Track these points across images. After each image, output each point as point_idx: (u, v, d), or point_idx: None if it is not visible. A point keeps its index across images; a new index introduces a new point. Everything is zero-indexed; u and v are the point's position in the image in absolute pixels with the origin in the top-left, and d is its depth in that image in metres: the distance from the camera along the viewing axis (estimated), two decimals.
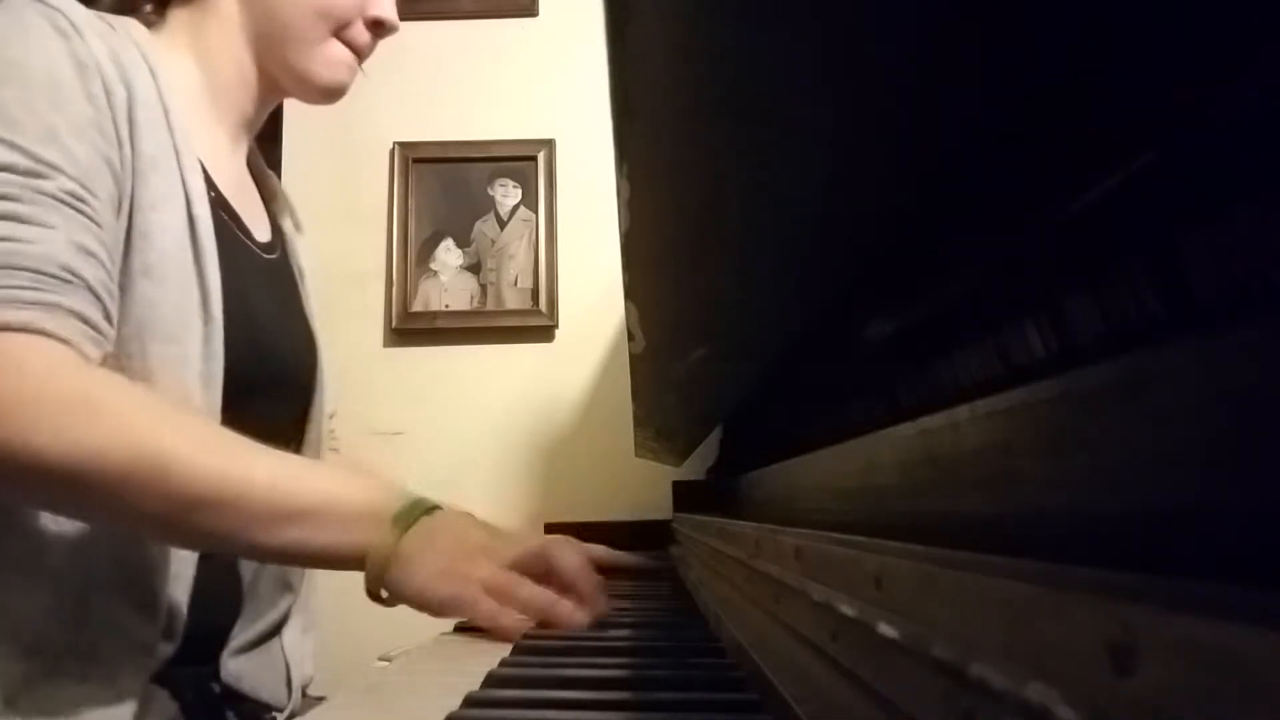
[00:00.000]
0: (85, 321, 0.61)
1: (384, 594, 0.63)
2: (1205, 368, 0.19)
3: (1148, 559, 0.17)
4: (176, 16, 0.80)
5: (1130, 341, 0.24)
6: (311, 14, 0.80)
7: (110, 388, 0.61)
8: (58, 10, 0.65)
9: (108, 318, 0.63)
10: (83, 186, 0.63)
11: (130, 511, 0.59)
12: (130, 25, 0.74)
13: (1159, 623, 0.14)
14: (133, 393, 0.62)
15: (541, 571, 0.65)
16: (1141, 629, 0.14)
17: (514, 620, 0.61)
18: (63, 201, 0.61)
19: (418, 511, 0.64)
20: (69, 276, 0.60)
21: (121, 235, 0.66)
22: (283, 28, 0.80)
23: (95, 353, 0.62)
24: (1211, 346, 0.19)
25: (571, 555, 0.67)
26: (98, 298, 0.62)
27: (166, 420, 0.61)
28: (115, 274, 0.65)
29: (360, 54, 0.85)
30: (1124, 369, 0.22)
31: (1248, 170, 0.20)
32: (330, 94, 0.85)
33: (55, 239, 0.60)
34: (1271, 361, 0.17)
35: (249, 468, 0.62)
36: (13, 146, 0.60)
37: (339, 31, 0.82)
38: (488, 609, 0.61)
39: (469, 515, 0.69)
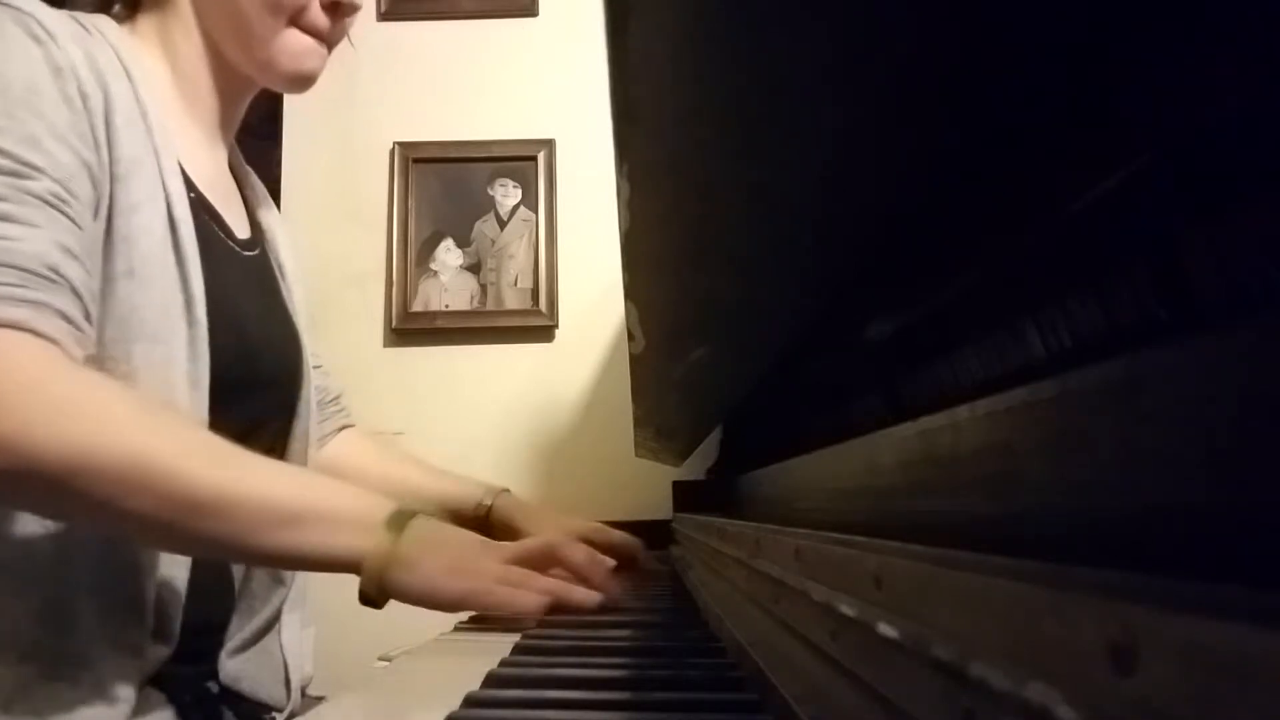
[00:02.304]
0: (70, 321, 0.61)
1: (379, 597, 0.63)
2: (1205, 368, 0.19)
3: (1148, 559, 0.17)
4: (144, 19, 0.80)
5: (1130, 341, 0.24)
6: (260, 5, 0.78)
7: (102, 390, 0.61)
8: (31, 16, 0.65)
9: (88, 318, 0.63)
10: (64, 189, 0.63)
11: (124, 515, 0.58)
12: (104, 24, 0.74)
13: (1159, 623, 0.14)
14: (125, 397, 0.62)
15: (549, 566, 0.68)
16: (1141, 629, 0.14)
17: (532, 600, 0.63)
18: (46, 202, 0.61)
19: (407, 516, 0.65)
20: (55, 276, 0.60)
21: (100, 238, 0.66)
22: (238, 22, 0.79)
23: (79, 353, 0.62)
24: (1211, 346, 0.19)
25: (578, 547, 0.69)
26: (79, 298, 0.62)
27: (158, 425, 0.61)
28: (95, 276, 0.65)
29: (323, 38, 0.82)
30: (1124, 369, 0.22)
31: (1248, 170, 0.20)
32: (298, 83, 0.83)
33: (41, 238, 0.60)
34: (1271, 361, 0.17)
35: (240, 473, 0.62)
36: None
37: (296, 19, 0.80)
38: (505, 592, 0.63)
39: (454, 526, 0.71)
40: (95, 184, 0.66)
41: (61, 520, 0.64)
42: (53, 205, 0.62)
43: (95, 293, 0.65)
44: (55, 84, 0.64)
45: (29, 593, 0.63)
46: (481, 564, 0.64)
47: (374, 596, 0.63)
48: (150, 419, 0.61)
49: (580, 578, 0.68)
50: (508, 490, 1.06)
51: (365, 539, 0.63)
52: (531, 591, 0.64)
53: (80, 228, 0.64)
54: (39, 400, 0.56)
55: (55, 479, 0.56)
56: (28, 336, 0.58)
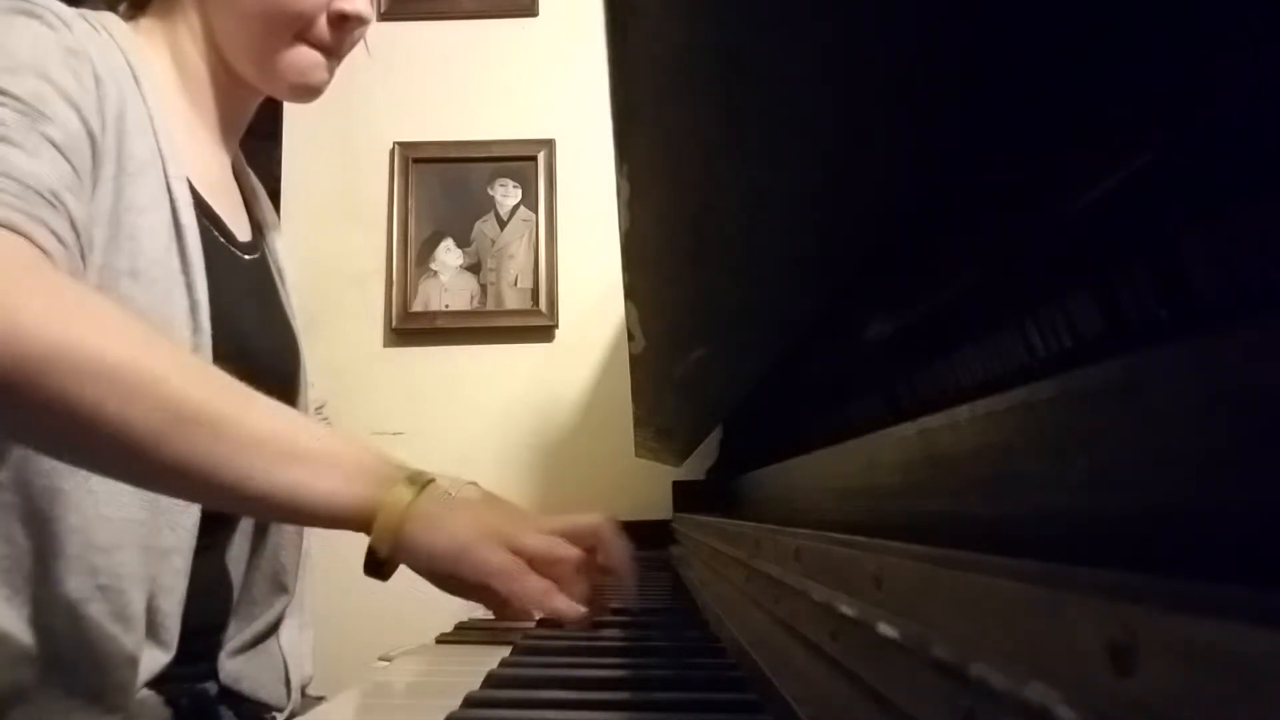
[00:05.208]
0: (64, 245, 0.59)
1: (389, 561, 0.58)
2: (1205, 368, 0.19)
3: (1148, 559, 0.17)
4: (149, 21, 0.81)
5: (1130, 341, 0.24)
6: (264, 22, 0.78)
7: (99, 297, 0.57)
8: (46, 9, 0.66)
9: (83, 258, 0.61)
10: (70, 142, 0.62)
11: (107, 424, 0.52)
12: (111, 23, 0.74)
13: (1159, 623, 0.14)
14: (123, 309, 0.58)
15: (587, 548, 0.62)
16: (1141, 629, 0.14)
17: (561, 606, 0.58)
18: (53, 144, 0.61)
19: (427, 476, 0.60)
20: (54, 200, 0.58)
21: (103, 218, 0.65)
22: (245, 36, 0.79)
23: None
24: (1211, 346, 0.19)
25: (621, 541, 0.65)
26: (76, 232, 0.60)
27: (155, 338, 0.57)
28: (92, 252, 0.64)
29: (329, 51, 0.82)
30: (1124, 369, 0.22)
31: (1248, 170, 0.20)
32: (304, 94, 0.83)
33: (44, 167, 0.59)
34: (1271, 361, 0.17)
35: (244, 399, 0.57)
36: (6, 94, 0.60)
37: (302, 34, 0.80)
38: (533, 584, 0.57)
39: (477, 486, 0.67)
40: (95, 156, 0.65)
41: (38, 433, 0.56)
42: (59, 149, 0.61)
43: (91, 242, 0.63)
44: (66, 61, 0.64)
45: (20, 599, 0.63)
46: (516, 533, 0.58)
47: (384, 558, 0.57)
48: (146, 330, 0.56)
49: (609, 571, 0.64)
50: None
51: (381, 490, 0.57)
52: (560, 597, 0.58)
53: (80, 182, 0.62)
54: (27, 289, 0.52)
55: (39, 373, 0.50)
56: (19, 239, 0.55)
